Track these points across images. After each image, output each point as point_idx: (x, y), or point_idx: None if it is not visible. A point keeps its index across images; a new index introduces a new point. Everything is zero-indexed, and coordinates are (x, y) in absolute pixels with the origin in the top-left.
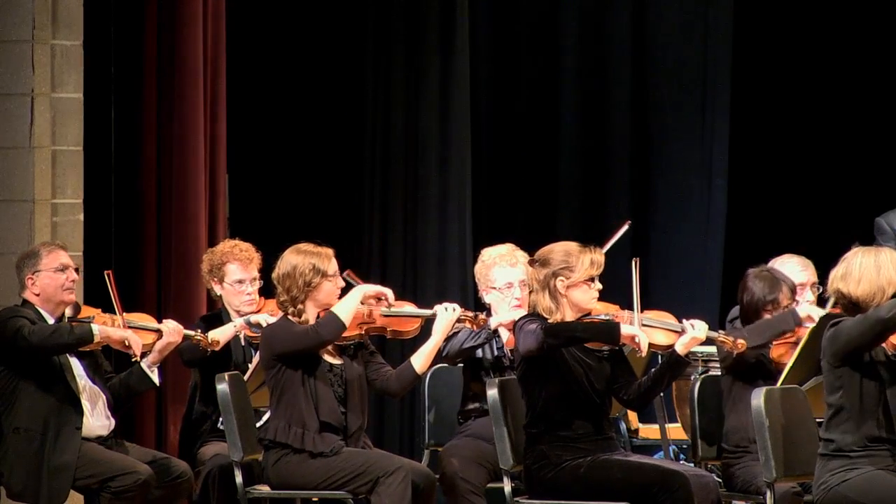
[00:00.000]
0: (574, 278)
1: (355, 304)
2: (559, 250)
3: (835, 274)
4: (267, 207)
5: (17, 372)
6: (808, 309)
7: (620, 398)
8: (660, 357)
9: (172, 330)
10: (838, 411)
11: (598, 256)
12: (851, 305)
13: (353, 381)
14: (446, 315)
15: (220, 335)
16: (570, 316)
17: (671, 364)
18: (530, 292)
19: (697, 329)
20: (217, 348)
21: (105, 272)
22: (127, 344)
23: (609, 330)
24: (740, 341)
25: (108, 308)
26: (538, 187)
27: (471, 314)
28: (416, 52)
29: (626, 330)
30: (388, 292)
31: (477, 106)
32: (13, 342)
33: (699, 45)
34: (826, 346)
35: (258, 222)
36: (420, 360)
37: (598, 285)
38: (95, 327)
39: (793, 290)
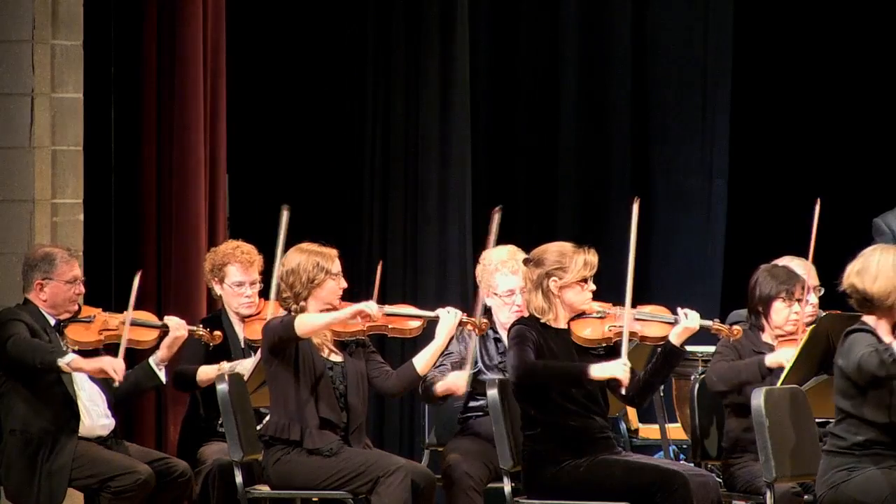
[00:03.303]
0: (567, 279)
1: (325, 319)
2: (553, 250)
3: (851, 269)
4: (267, 207)
5: (14, 374)
6: (775, 357)
7: (619, 395)
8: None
9: (178, 325)
10: (848, 417)
11: (592, 257)
12: (865, 302)
13: (354, 378)
14: (449, 318)
15: (203, 375)
16: (563, 316)
17: (666, 355)
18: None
19: (690, 319)
20: (212, 366)
21: (137, 272)
22: (106, 372)
23: (577, 375)
24: (736, 328)
25: (107, 308)
26: (538, 187)
27: (473, 319)
28: (416, 52)
29: (597, 373)
30: (369, 307)
31: (477, 106)
32: (2, 348)
33: (699, 45)
34: (839, 355)
35: (258, 222)
36: (422, 361)
37: (592, 286)
38: (70, 357)
39: (804, 287)
